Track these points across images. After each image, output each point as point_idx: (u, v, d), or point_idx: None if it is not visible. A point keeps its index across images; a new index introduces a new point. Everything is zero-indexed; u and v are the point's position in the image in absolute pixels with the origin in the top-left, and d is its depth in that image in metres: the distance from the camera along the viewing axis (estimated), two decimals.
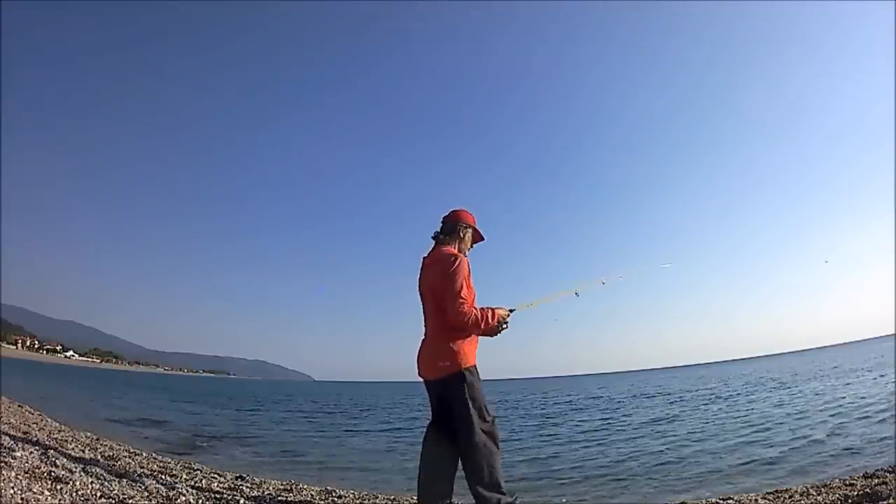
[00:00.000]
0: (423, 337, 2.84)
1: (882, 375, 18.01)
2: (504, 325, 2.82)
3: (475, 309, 2.62)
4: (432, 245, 2.88)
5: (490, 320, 2.68)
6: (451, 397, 2.64)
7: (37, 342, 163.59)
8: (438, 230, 2.88)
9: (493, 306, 2.75)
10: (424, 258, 2.88)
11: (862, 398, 11.57)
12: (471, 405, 2.58)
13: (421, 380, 2.85)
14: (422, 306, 2.85)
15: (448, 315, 2.59)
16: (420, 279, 2.85)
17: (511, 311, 2.86)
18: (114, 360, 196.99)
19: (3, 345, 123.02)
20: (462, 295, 2.58)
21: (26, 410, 8.97)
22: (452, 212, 2.91)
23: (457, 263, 2.63)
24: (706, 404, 14.68)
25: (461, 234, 2.86)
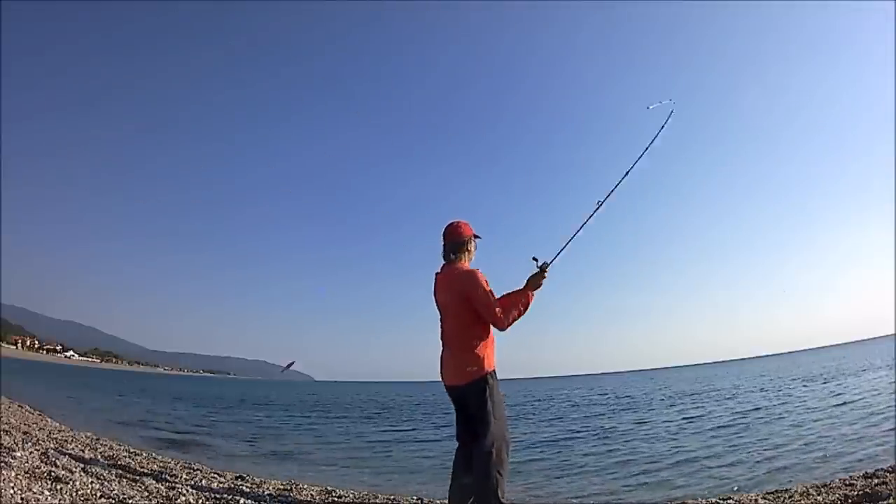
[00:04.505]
0: (441, 348, 2.93)
1: (882, 375, 18.02)
2: (540, 284, 2.87)
3: (508, 312, 2.78)
4: (443, 263, 2.96)
5: (523, 307, 2.82)
6: (472, 401, 2.75)
7: (37, 342, 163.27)
8: (446, 249, 2.92)
9: (517, 289, 2.86)
10: (437, 275, 2.96)
11: (861, 398, 11.58)
12: (489, 408, 2.69)
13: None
14: (440, 319, 2.93)
15: (496, 323, 2.76)
16: (436, 295, 2.94)
17: (542, 266, 2.87)
18: (114, 360, 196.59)
19: (3, 345, 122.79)
20: (491, 304, 2.74)
21: (26, 410, 8.97)
22: (453, 229, 2.93)
23: (475, 279, 2.76)
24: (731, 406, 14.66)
25: (469, 248, 2.95)
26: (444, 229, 2.95)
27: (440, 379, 2.93)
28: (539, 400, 23.57)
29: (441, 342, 2.95)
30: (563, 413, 15.26)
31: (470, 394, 2.75)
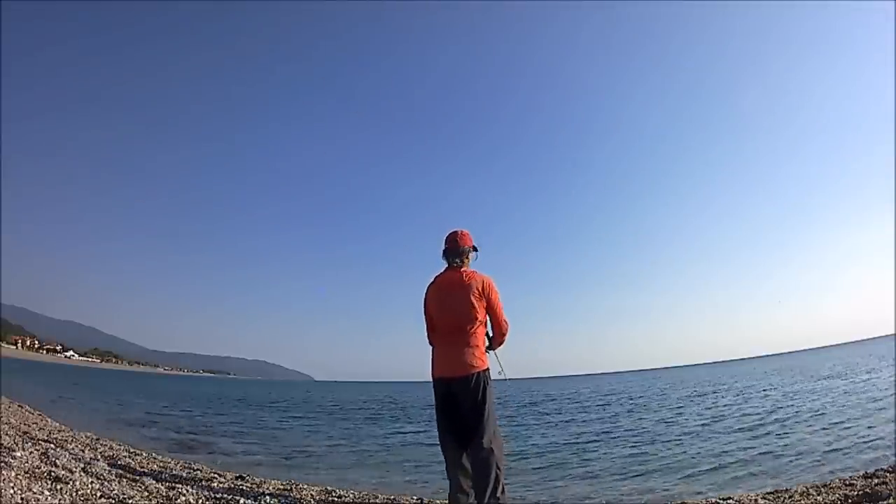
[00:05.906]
0: (438, 346, 3.07)
1: (882, 375, 18.03)
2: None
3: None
4: (445, 267, 3.12)
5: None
6: (473, 393, 2.87)
7: (37, 342, 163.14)
8: (451, 254, 3.10)
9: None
10: (443, 278, 3.09)
11: (861, 398, 11.59)
12: (489, 401, 2.89)
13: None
14: (442, 321, 3.03)
15: (502, 329, 3.11)
16: (442, 292, 3.04)
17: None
18: (114, 360, 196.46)
19: (3, 345, 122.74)
20: (503, 311, 3.11)
21: (26, 410, 8.98)
22: (461, 236, 3.12)
23: (495, 286, 3.07)
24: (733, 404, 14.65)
25: (469, 256, 3.16)
26: (448, 235, 3.14)
27: (437, 374, 2.98)
28: (545, 400, 23.54)
29: (439, 340, 3.06)
30: (570, 415, 15.21)
31: (473, 385, 2.87)
